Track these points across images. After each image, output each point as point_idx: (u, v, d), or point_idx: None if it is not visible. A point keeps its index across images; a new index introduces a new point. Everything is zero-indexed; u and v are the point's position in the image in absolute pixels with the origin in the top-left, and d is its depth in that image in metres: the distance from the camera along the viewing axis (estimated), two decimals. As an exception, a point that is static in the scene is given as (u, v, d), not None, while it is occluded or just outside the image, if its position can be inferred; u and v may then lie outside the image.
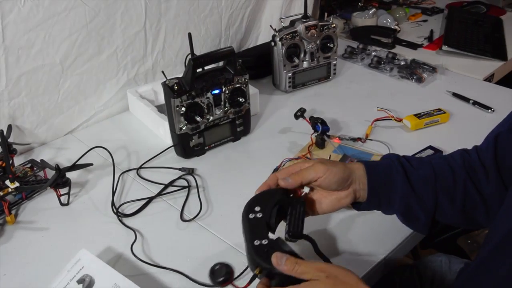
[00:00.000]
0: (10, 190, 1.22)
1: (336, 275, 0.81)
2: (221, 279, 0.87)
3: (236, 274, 1.03)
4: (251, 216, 0.93)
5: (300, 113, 1.48)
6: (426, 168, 1.10)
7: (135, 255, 1.12)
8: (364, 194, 1.06)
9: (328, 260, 0.91)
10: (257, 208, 0.93)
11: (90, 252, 1.05)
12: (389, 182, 1.07)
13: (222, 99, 1.42)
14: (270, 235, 0.90)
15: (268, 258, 0.83)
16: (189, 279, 1.05)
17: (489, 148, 1.08)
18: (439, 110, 1.61)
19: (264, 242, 0.87)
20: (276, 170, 1.35)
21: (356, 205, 1.09)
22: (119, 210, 1.26)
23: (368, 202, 1.07)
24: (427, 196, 1.07)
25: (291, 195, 1.01)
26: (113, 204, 1.27)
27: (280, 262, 0.83)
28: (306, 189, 1.02)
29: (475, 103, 1.70)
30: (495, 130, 1.10)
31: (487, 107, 1.67)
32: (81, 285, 1.00)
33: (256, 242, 0.87)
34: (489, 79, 1.97)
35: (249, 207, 0.94)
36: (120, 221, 1.23)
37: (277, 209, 0.95)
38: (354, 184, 1.05)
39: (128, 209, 1.26)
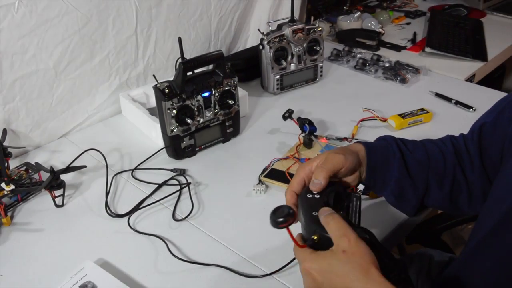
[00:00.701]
0: (5, 192, 1.22)
1: (354, 252, 0.79)
2: (281, 219, 0.85)
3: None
4: (309, 196, 0.92)
5: (288, 114, 1.49)
6: (421, 151, 1.10)
7: (174, 255, 1.12)
8: (364, 175, 1.05)
9: (392, 256, 0.89)
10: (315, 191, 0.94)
11: (93, 262, 1.07)
12: (386, 165, 1.07)
13: (212, 101, 1.42)
14: None
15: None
16: (232, 271, 1.07)
17: (474, 138, 1.09)
18: (423, 110, 1.62)
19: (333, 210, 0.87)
20: (265, 170, 1.36)
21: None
22: (113, 210, 1.26)
23: (365, 183, 1.07)
24: (419, 180, 1.08)
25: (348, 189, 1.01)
26: (106, 205, 1.27)
27: (324, 213, 0.85)
28: (361, 187, 1.02)
29: (457, 102, 1.71)
30: (481, 120, 1.11)
31: (468, 107, 1.68)
32: (83, 290, 1.01)
33: (314, 213, 0.87)
34: (470, 79, 1.98)
35: (307, 190, 0.94)
36: (130, 226, 1.22)
37: (334, 195, 0.93)
38: (361, 167, 1.04)
39: (121, 209, 1.26)
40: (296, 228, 0.89)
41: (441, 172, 1.09)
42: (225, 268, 1.09)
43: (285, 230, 0.86)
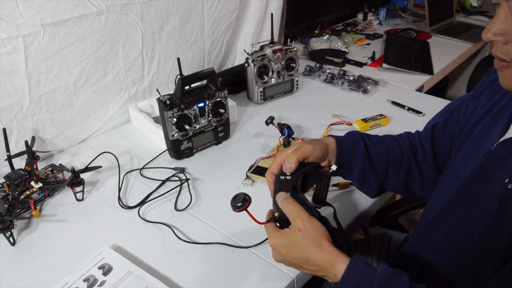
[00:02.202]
0: (35, 189, 1.22)
1: (307, 229, 0.83)
2: (238, 204, 0.88)
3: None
4: (282, 177, 0.95)
5: (270, 120, 1.49)
6: (382, 145, 1.12)
7: (179, 238, 1.13)
8: (333, 163, 1.07)
9: (341, 226, 0.92)
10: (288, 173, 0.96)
11: (109, 247, 1.08)
12: (352, 155, 1.09)
13: (206, 110, 1.42)
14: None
15: None
16: (227, 245, 1.07)
17: (428, 135, 1.12)
18: (381, 115, 1.63)
19: (288, 194, 0.90)
20: (251, 167, 1.36)
21: None
22: (124, 203, 1.26)
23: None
24: (380, 169, 1.10)
25: (320, 169, 1.03)
26: (119, 198, 1.27)
27: (280, 197, 0.88)
28: (334, 167, 1.03)
29: (409, 109, 1.72)
30: (433, 120, 1.13)
31: (418, 112, 1.69)
32: (101, 270, 1.01)
33: None
34: (419, 89, 2.00)
35: (282, 172, 0.97)
36: (140, 216, 1.22)
37: (302, 176, 0.96)
38: (329, 156, 1.06)
39: (132, 202, 1.26)
40: (262, 209, 0.92)
41: (398, 162, 1.11)
42: (222, 244, 1.10)
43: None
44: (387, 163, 1.11)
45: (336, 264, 0.80)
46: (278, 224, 0.89)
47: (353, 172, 1.10)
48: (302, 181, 0.97)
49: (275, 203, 0.91)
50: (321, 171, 1.01)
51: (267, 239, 0.89)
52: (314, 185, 0.99)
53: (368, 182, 1.12)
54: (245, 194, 0.89)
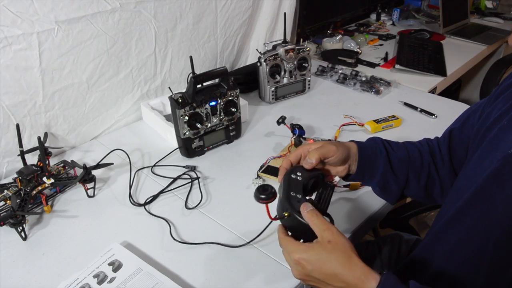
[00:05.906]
0: (46, 185, 1.22)
1: (337, 242, 0.80)
2: (263, 196, 0.86)
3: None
4: (293, 176, 0.92)
5: (281, 120, 1.49)
6: (402, 151, 1.11)
7: (174, 238, 1.13)
8: (354, 168, 1.06)
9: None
10: (299, 173, 0.93)
11: (119, 243, 1.08)
12: (374, 161, 1.08)
13: (218, 109, 1.42)
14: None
15: (297, 206, 0.85)
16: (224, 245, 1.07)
17: (445, 140, 1.11)
18: (393, 116, 1.62)
19: (299, 196, 0.88)
20: (262, 167, 1.36)
21: (345, 175, 1.09)
22: (135, 200, 1.26)
23: (355, 175, 1.07)
24: (401, 174, 1.09)
25: (326, 178, 1.01)
26: (130, 195, 1.27)
27: (306, 208, 0.84)
28: (337, 178, 1.01)
29: (422, 110, 1.71)
30: (451, 126, 1.13)
31: (431, 114, 1.68)
32: (111, 266, 1.01)
33: (292, 193, 0.88)
34: (432, 91, 1.98)
35: (292, 170, 0.94)
36: (147, 211, 1.23)
37: (313, 181, 0.95)
38: (350, 160, 1.05)
39: (142, 199, 1.26)
40: (271, 209, 0.90)
41: (418, 168, 1.10)
42: (220, 244, 1.10)
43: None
44: (408, 168, 1.10)
45: (366, 281, 0.77)
46: (286, 230, 0.88)
47: (374, 178, 1.09)
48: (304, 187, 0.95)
49: (282, 202, 0.88)
50: (327, 181, 0.99)
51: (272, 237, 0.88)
52: (314, 193, 0.97)
53: (389, 188, 1.11)
54: (273, 188, 0.87)
